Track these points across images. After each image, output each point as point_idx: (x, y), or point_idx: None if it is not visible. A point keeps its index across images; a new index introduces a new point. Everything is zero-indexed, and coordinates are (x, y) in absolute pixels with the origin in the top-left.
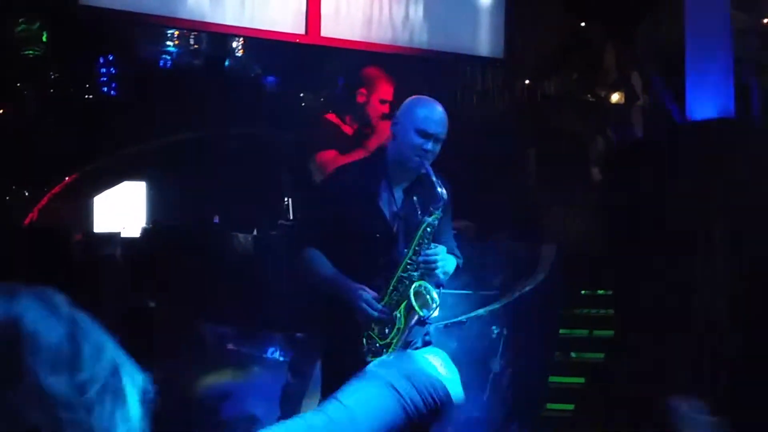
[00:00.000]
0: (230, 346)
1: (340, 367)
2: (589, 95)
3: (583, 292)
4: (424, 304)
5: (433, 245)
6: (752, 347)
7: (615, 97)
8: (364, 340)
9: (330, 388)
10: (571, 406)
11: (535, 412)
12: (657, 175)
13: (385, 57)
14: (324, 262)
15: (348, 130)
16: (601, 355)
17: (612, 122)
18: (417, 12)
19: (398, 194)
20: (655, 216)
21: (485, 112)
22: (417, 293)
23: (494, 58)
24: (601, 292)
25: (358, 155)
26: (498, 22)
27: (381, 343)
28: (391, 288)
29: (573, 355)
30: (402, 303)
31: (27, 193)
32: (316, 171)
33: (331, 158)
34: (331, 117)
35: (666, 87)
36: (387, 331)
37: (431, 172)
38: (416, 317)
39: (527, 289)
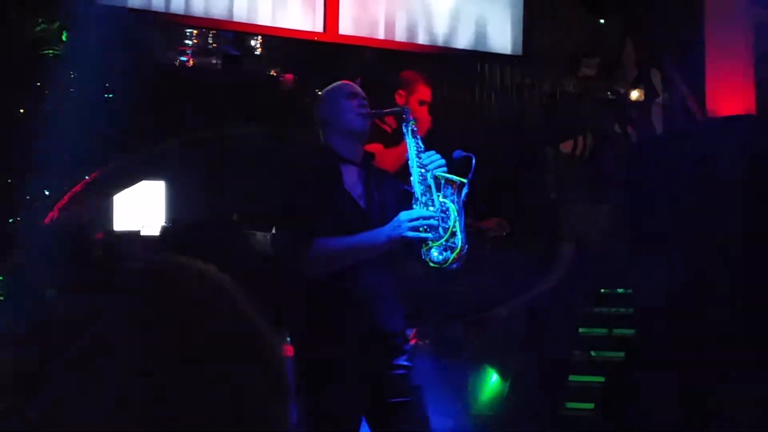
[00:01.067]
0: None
1: (345, 384)
2: (608, 92)
3: (602, 290)
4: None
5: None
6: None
7: (634, 95)
8: (426, 253)
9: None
10: (591, 405)
11: (555, 411)
12: (677, 172)
13: (403, 55)
14: (335, 238)
15: (386, 128)
16: (621, 354)
17: (632, 119)
18: (435, 9)
19: (356, 173)
20: (676, 214)
21: (504, 109)
22: (441, 177)
23: (513, 56)
24: (620, 290)
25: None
26: (517, 19)
27: (445, 239)
28: (420, 197)
29: (593, 353)
30: (436, 198)
31: (47, 192)
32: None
33: (378, 150)
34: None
35: (686, 83)
36: (444, 224)
37: (378, 111)
38: (460, 186)
39: (547, 287)
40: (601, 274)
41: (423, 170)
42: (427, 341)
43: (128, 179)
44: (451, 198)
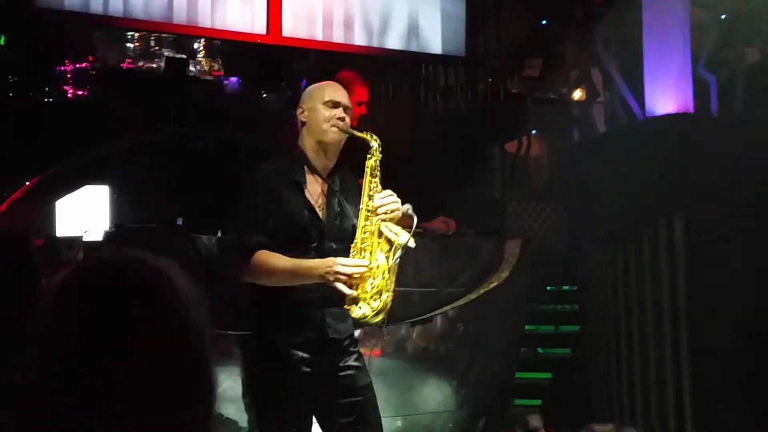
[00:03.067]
0: None
1: (293, 385)
2: (550, 93)
3: (548, 288)
4: (398, 234)
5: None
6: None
7: (576, 94)
8: (353, 307)
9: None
10: (538, 401)
11: (503, 407)
12: (618, 169)
13: (347, 57)
14: (277, 256)
15: None
16: (568, 350)
17: (574, 119)
18: (378, 11)
19: (322, 182)
20: (617, 211)
21: (448, 110)
22: (387, 228)
23: (456, 57)
24: (566, 287)
25: None
26: (459, 20)
27: (373, 292)
28: (359, 242)
29: (539, 350)
30: (375, 249)
31: None
32: None
33: None
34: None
35: (625, 83)
36: (372, 281)
37: (352, 131)
38: (399, 246)
39: (493, 285)
40: (546, 272)
41: (370, 214)
42: (376, 341)
43: (70, 184)
44: (387, 254)
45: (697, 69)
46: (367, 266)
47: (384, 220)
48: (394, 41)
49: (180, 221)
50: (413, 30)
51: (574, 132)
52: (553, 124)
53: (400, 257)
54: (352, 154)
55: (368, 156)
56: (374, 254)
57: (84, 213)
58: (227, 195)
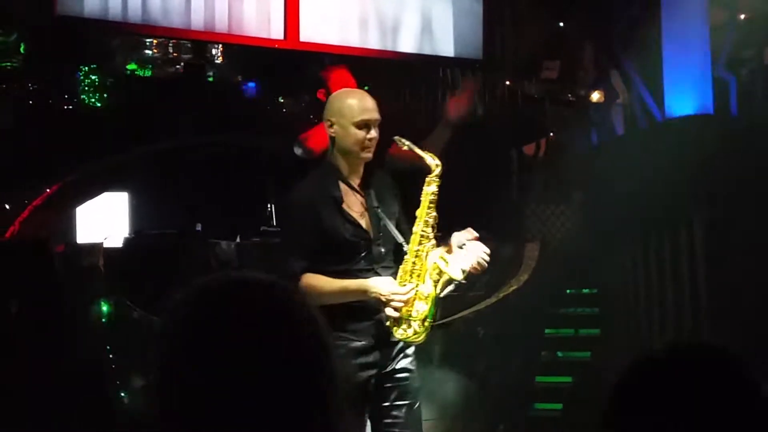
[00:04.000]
0: None
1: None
2: (569, 94)
3: (568, 291)
4: (448, 264)
5: None
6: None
7: (595, 96)
8: (395, 328)
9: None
10: (559, 406)
11: (523, 411)
12: (638, 171)
13: (364, 61)
14: (324, 279)
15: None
16: (588, 354)
17: (593, 121)
18: (396, 15)
19: (361, 188)
20: (636, 212)
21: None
22: (441, 260)
23: (473, 60)
24: (585, 290)
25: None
26: (476, 23)
27: (418, 317)
28: (409, 269)
29: (559, 354)
30: (424, 274)
31: (7, 206)
32: None
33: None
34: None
35: (644, 84)
36: (422, 305)
37: (412, 144)
38: (448, 281)
39: (512, 288)
40: (565, 275)
41: (423, 239)
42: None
43: (90, 191)
44: (435, 282)
45: (717, 69)
46: (413, 290)
47: (441, 251)
48: (409, 44)
49: (199, 227)
50: (429, 33)
51: (592, 134)
52: (572, 127)
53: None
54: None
55: (427, 182)
56: (423, 278)
57: (104, 219)
58: (245, 200)
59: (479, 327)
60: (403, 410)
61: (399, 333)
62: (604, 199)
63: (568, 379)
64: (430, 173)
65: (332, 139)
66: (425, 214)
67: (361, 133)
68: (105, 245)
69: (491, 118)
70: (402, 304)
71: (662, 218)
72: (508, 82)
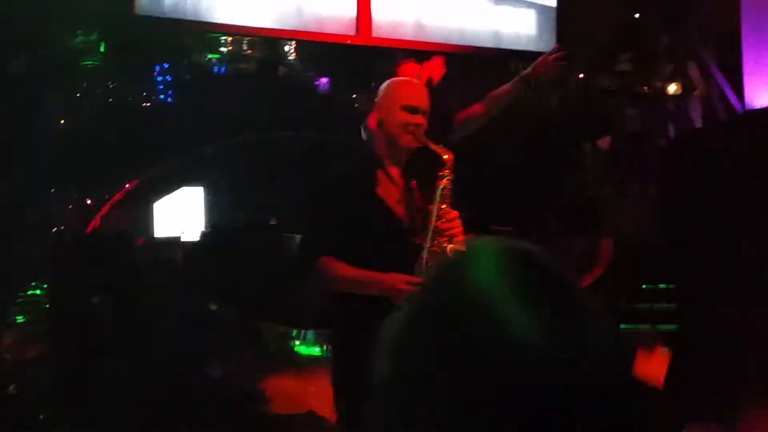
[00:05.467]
0: (291, 346)
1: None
2: (645, 87)
3: (644, 286)
4: None
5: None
6: None
7: (672, 89)
8: None
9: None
10: None
11: None
12: (717, 165)
13: (436, 55)
14: (341, 265)
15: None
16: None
17: (670, 113)
18: (467, 9)
19: (399, 177)
20: (716, 207)
21: (541, 107)
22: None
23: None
24: (662, 286)
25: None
26: (550, 15)
27: None
28: (425, 263)
29: None
30: None
31: (89, 201)
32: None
33: None
34: None
35: (723, 76)
36: None
37: (427, 141)
38: None
39: (586, 284)
40: (641, 270)
41: (437, 235)
42: None
43: (168, 186)
44: None
45: None
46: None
47: (454, 245)
48: (483, 38)
49: (274, 221)
50: (504, 27)
51: (670, 127)
52: (649, 119)
53: None
54: None
55: (439, 175)
56: None
57: (181, 214)
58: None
59: None
60: None
61: None
62: (681, 193)
63: None
64: (441, 167)
65: (378, 122)
66: (438, 210)
67: (405, 116)
68: (183, 239)
69: (565, 111)
70: None
71: (741, 213)
72: (582, 75)
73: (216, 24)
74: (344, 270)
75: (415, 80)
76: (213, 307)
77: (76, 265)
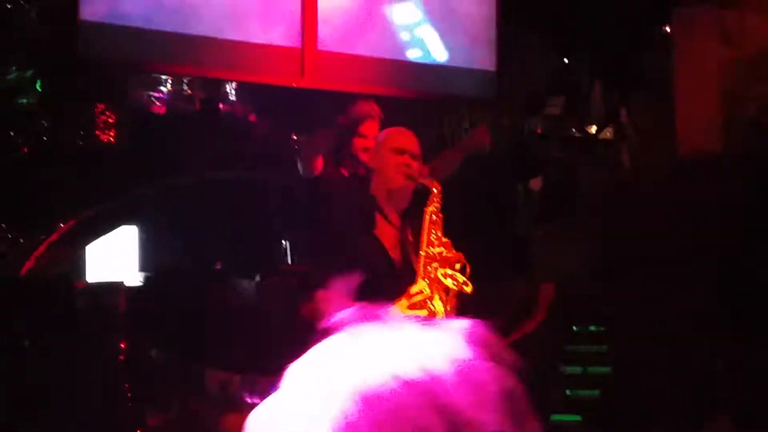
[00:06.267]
0: (234, 393)
1: None
2: (577, 131)
3: (574, 328)
4: (456, 283)
5: None
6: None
7: (604, 133)
8: None
9: None
10: None
11: None
12: (649, 210)
13: (379, 99)
14: (340, 302)
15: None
16: (596, 392)
17: (602, 158)
18: (408, 53)
19: (397, 221)
20: (648, 251)
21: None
22: (445, 275)
23: (486, 99)
24: (593, 328)
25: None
26: (490, 60)
27: None
28: (416, 288)
29: (568, 392)
30: (434, 296)
31: (23, 241)
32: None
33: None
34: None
35: (656, 123)
36: None
37: (417, 178)
38: (452, 296)
39: (529, 330)
40: (573, 312)
41: (429, 262)
42: None
43: (105, 227)
44: (445, 301)
45: (728, 108)
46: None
47: (445, 270)
48: (422, 83)
49: (219, 265)
50: (442, 73)
51: (601, 171)
52: (581, 164)
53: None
54: None
55: (428, 202)
56: (433, 301)
57: (117, 256)
58: (263, 237)
59: None
60: None
61: None
62: (612, 236)
63: (577, 417)
64: (428, 195)
65: (373, 169)
66: (428, 236)
67: (395, 158)
68: (125, 283)
69: (497, 155)
70: None
71: (675, 259)
72: (514, 119)
73: (159, 66)
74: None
75: (405, 129)
76: (154, 353)
77: (10, 307)
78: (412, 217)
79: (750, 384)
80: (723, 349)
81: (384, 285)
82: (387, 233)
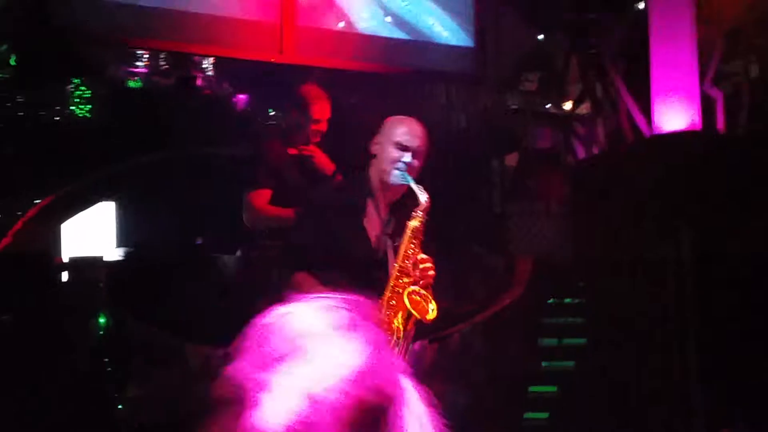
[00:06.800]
0: (216, 367)
1: None
2: (553, 107)
3: (550, 300)
4: (421, 309)
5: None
6: (720, 363)
7: (578, 109)
8: None
9: None
10: (545, 415)
11: (516, 421)
12: (623, 186)
13: (356, 75)
14: (317, 287)
15: (293, 151)
16: (572, 363)
17: (576, 134)
18: (388, 29)
19: (385, 213)
20: (622, 226)
21: (452, 127)
22: (411, 299)
23: (465, 75)
24: (568, 300)
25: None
26: (468, 36)
27: None
28: (387, 300)
29: (544, 363)
30: (399, 312)
31: (0, 217)
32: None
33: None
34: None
35: (631, 99)
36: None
37: (411, 180)
38: (414, 323)
39: (507, 301)
40: (549, 285)
41: (402, 275)
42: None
43: (83, 202)
44: (404, 322)
45: (703, 84)
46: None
47: (414, 288)
48: (402, 59)
49: (200, 241)
50: (421, 48)
51: (576, 147)
52: (557, 140)
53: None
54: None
55: (413, 215)
56: (396, 315)
57: (95, 232)
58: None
59: (473, 340)
60: None
61: None
62: (588, 212)
63: (553, 388)
64: (417, 207)
65: (373, 156)
66: (406, 250)
67: (396, 153)
68: (103, 258)
69: (474, 131)
70: None
71: (649, 233)
72: (490, 95)
73: (134, 39)
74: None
75: (416, 120)
76: (134, 328)
77: None
78: (400, 212)
79: (729, 353)
80: (697, 322)
81: (361, 274)
82: (373, 222)
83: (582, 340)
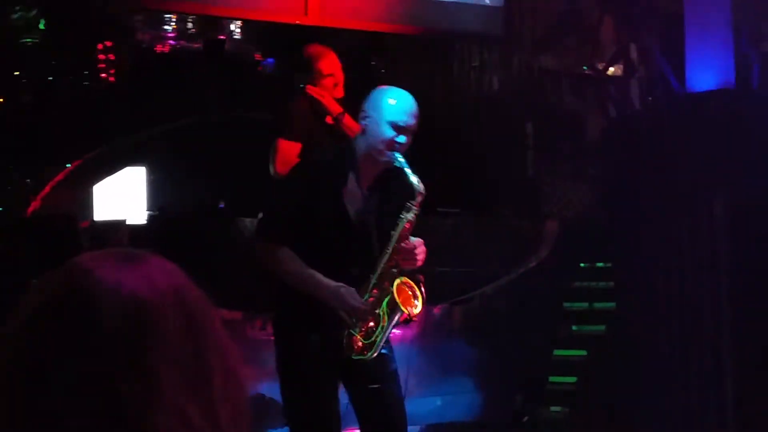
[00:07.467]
0: (237, 330)
1: (316, 363)
2: (586, 68)
3: (582, 264)
4: (407, 301)
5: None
6: (753, 325)
7: (612, 70)
8: (344, 339)
9: (303, 387)
10: (573, 379)
11: (540, 384)
12: (657, 146)
13: (383, 36)
14: (296, 259)
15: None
16: (602, 327)
17: (610, 95)
18: None
19: (368, 190)
20: (655, 188)
21: (483, 88)
22: (400, 289)
23: (492, 35)
24: (600, 264)
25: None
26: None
27: (365, 342)
28: (372, 284)
29: (574, 328)
30: (384, 300)
31: (29, 182)
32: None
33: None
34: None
35: (665, 58)
36: (371, 328)
37: (406, 165)
38: (399, 314)
39: (532, 265)
40: (580, 249)
41: (394, 260)
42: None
43: (110, 167)
44: (389, 311)
45: (738, 43)
46: (365, 310)
47: (404, 273)
48: (429, 19)
49: (222, 205)
50: (450, 10)
51: (610, 108)
52: (590, 101)
53: (396, 323)
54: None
55: (408, 206)
56: (381, 302)
57: (123, 196)
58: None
59: (499, 303)
60: (375, 395)
61: (344, 341)
62: (621, 173)
63: (583, 352)
64: (413, 197)
65: (363, 130)
66: (396, 240)
67: (390, 133)
68: (129, 222)
69: (507, 94)
70: (353, 311)
71: (682, 193)
72: (524, 57)
73: (161, 2)
74: (297, 266)
75: (407, 93)
76: None
77: (16, 247)
78: (381, 186)
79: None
80: (727, 285)
81: (335, 246)
82: (353, 195)
83: (612, 304)
